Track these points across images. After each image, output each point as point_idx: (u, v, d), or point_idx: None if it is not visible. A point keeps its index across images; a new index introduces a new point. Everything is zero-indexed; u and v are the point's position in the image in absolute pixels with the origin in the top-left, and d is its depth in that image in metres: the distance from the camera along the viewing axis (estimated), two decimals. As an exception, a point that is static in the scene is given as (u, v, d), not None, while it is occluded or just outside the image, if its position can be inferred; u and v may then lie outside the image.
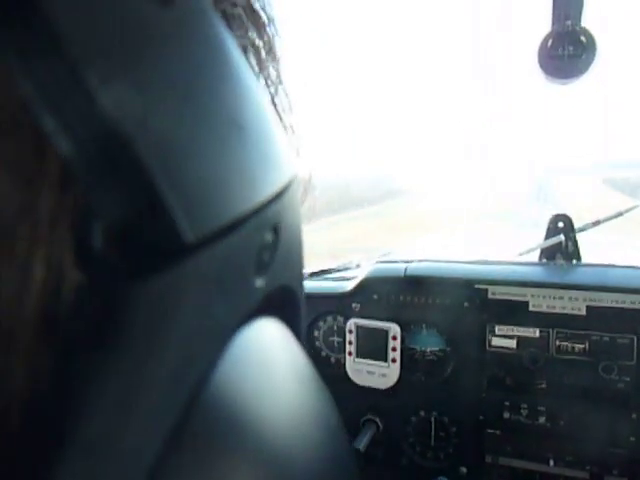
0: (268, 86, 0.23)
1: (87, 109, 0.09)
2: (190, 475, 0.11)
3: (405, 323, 1.03)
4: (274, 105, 0.23)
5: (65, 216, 0.09)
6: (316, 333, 1.14)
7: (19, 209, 0.08)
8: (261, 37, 0.22)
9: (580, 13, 0.84)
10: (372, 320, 1.04)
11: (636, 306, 0.88)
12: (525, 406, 0.97)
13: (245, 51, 0.20)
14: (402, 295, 1.03)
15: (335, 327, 1.12)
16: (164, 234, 0.09)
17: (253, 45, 0.21)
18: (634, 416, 0.89)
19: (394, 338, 1.02)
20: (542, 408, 0.95)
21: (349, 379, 1.07)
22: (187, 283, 0.10)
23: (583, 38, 0.84)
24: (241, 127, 0.12)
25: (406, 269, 1.04)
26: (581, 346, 0.92)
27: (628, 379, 0.90)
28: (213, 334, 0.11)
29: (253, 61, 0.21)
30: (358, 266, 1.23)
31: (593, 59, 0.84)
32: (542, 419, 0.96)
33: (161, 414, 0.10)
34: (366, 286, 1.06)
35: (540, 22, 0.87)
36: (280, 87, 0.24)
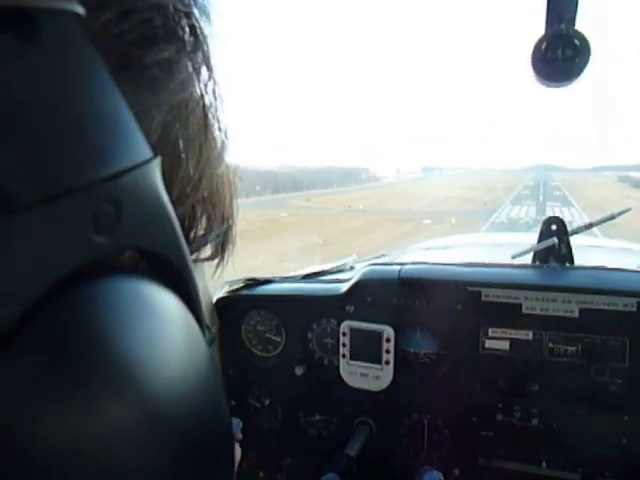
0: (199, 87, 0.26)
1: None
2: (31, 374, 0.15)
3: (399, 325, 1.03)
4: (202, 103, 0.27)
5: None
6: (310, 335, 1.13)
7: None
8: (195, 47, 0.25)
9: (574, 16, 0.84)
10: (366, 322, 1.04)
11: (628, 309, 0.88)
12: (518, 408, 0.97)
13: (173, 60, 0.24)
14: (396, 297, 1.03)
15: (329, 329, 1.11)
16: (0, 198, 0.14)
17: (186, 53, 0.25)
18: (626, 418, 0.89)
19: (388, 340, 1.02)
20: (535, 410, 0.96)
21: (343, 381, 1.07)
22: (17, 230, 0.15)
23: (577, 41, 0.84)
24: (74, 126, 0.17)
25: (400, 271, 1.04)
26: (574, 348, 0.93)
27: (620, 381, 0.90)
28: (44, 269, 0.16)
29: (186, 65, 0.25)
30: (352, 268, 1.23)
31: (587, 62, 0.84)
32: (535, 421, 0.96)
33: None
34: (360, 288, 1.06)
35: (534, 25, 0.87)
36: (210, 88, 0.27)
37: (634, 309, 0.88)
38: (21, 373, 0.15)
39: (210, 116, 0.27)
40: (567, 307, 0.92)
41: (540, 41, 0.86)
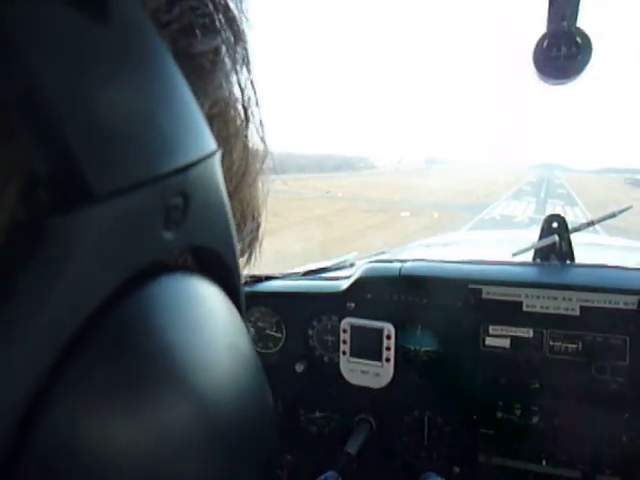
0: (239, 81, 0.26)
1: (29, 92, 0.12)
2: (90, 388, 0.14)
3: (399, 323, 1.03)
4: (242, 98, 0.26)
5: (13, 174, 0.12)
6: (310, 332, 1.13)
7: None
8: (232, 39, 0.24)
9: (576, 14, 0.84)
10: (366, 319, 1.04)
11: (629, 307, 0.88)
12: (518, 406, 0.97)
13: (218, 52, 0.23)
14: (396, 295, 1.03)
15: (329, 326, 1.11)
16: (76, 186, 0.13)
17: (227, 46, 0.24)
18: (627, 416, 0.89)
19: (388, 337, 1.02)
20: (535, 408, 0.96)
21: (343, 378, 1.07)
22: (92, 224, 0.13)
23: (579, 39, 0.84)
24: (149, 115, 0.16)
25: (401, 269, 1.04)
26: (574, 346, 0.93)
27: (621, 379, 0.90)
28: (114, 267, 0.14)
29: (227, 59, 0.24)
30: (352, 265, 1.23)
31: (589, 60, 0.84)
32: (535, 419, 0.96)
33: (54, 330, 0.13)
34: (361, 285, 1.06)
35: (536, 23, 0.86)
36: (248, 82, 0.26)
37: (635, 307, 0.88)
38: (89, 375, 0.14)
39: (250, 112, 0.27)
40: (568, 305, 0.92)
41: (542, 39, 0.86)
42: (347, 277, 1.10)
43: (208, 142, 0.19)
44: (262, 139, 0.28)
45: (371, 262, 1.12)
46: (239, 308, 0.22)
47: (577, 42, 0.85)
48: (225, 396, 0.19)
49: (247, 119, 0.26)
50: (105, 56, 0.14)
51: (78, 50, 0.13)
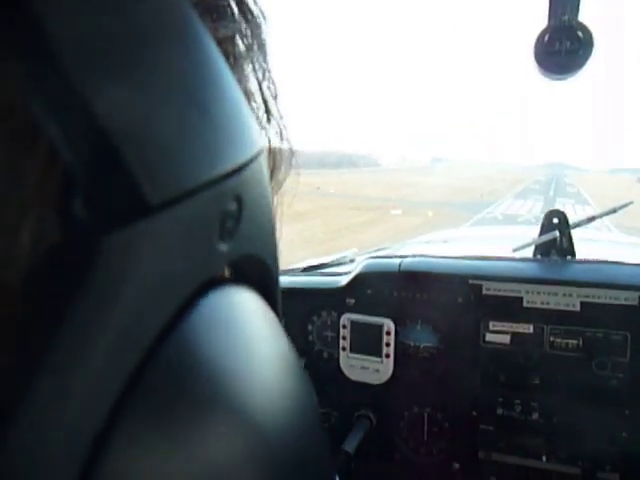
0: (255, 72, 0.24)
1: (75, 105, 0.11)
2: (152, 424, 0.12)
3: (399, 318, 1.03)
4: (260, 91, 0.24)
5: (50, 184, 0.11)
6: (310, 328, 1.13)
7: (11, 180, 0.10)
8: (249, 26, 0.23)
9: (577, 8, 0.84)
10: (366, 315, 1.04)
11: (630, 302, 0.88)
12: (518, 402, 0.97)
13: (233, 39, 0.21)
14: (396, 290, 1.03)
15: (329, 322, 1.11)
16: (130, 196, 0.11)
17: (241, 34, 0.22)
18: (627, 412, 0.89)
19: (388, 333, 1.02)
20: (535, 404, 0.95)
21: (343, 374, 1.07)
22: (150, 239, 0.12)
23: (580, 33, 0.84)
24: (203, 109, 0.14)
25: (400, 264, 1.03)
26: (575, 342, 0.92)
27: (621, 375, 0.90)
28: (174, 286, 0.13)
29: (242, 48, 0.23)
30: (352, 261, 1.22)
31: (590, 54, 0.84)
32: (535, 415, 0.96)
33: (115, 364, 0.11)
34: (360, 281, 1.05)
35: (537, 17, 0.86)
36: (267, 74, 0.25)
37: (636, 303, 0.87)
38: (149, 412, 0.12)
39: (270, 104, 0.25)
40: (568, 301, 0.92)
41: (543, 33, 0.85)
42: (347, 273, 1.10)
43: (258, 138, 0.17)
44: (283, 135, 0.27)
45: (371, 258, 1.11)
46: (277, 314, 0.21)
47: (578, 36, 0.84)
48: (288, 422, 0.17)
49: (268, 112, 0.25)
50: (147, 36, 0.13)
51: (121, 40, 0.12)
